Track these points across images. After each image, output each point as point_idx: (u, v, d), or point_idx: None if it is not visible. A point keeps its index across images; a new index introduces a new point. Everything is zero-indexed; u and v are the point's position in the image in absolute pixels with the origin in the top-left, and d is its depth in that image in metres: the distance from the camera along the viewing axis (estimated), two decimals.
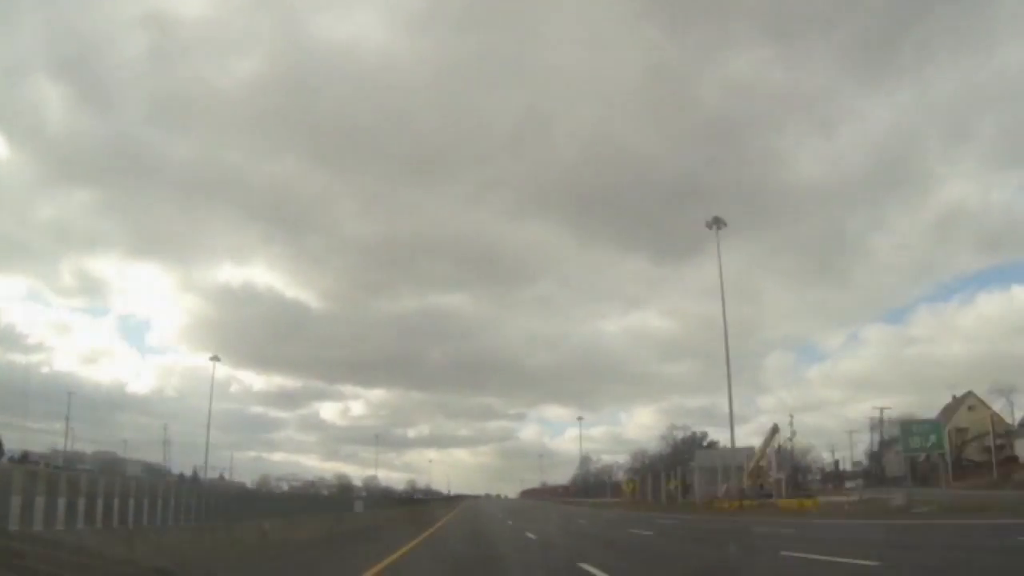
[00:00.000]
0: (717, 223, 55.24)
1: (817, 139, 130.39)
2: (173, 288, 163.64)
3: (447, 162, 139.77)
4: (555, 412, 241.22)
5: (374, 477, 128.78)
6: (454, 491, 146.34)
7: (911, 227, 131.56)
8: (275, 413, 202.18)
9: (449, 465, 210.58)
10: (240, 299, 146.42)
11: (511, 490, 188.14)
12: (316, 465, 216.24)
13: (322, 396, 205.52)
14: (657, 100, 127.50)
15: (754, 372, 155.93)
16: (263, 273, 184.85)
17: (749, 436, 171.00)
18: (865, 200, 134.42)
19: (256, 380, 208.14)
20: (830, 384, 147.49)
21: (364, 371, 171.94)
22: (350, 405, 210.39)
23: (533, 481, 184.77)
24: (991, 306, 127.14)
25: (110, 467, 73.39)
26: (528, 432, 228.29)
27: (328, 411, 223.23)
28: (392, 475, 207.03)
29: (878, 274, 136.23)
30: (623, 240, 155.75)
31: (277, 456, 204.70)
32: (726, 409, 61.15)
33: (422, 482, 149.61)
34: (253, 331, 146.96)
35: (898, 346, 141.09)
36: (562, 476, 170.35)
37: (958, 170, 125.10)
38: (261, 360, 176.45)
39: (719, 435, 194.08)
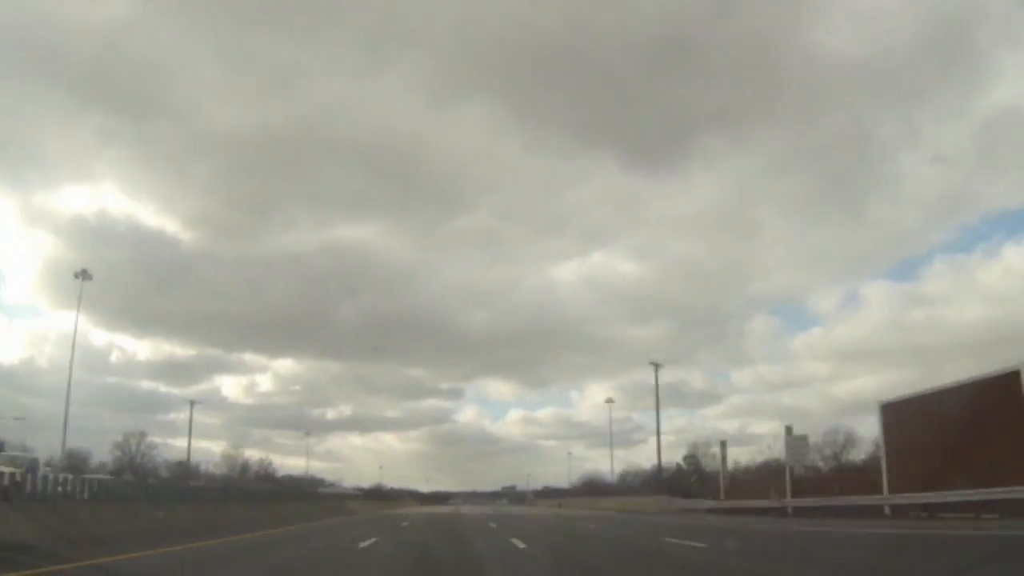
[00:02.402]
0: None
1: None
2: (15, 222, 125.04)
3: None
4: (496, 388, 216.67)
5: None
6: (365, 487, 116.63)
7: (948, 137, 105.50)
8: (168, 389, 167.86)
9: (377, 453, 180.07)
10: (98, 234, 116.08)
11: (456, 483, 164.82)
12: (229, 454, 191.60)
13: (221, 368, 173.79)
14: None
15: (734, 340, 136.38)
16: (114, 194, 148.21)
17: (719, 419, 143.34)
18: (899, 94, 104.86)
19: (140, 347, 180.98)
20: (819, 355, 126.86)
21: (264, 334, 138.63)
22: (256, 379, 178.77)
23: (478, 474, 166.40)
24: (1021, 258, 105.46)
25: None
26: (466, 414, 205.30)
27: (231, 387, 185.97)
28: (316, 465, 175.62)
29: (897, 206, 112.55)
30: (584, 132, 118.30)
31: (183, 442, 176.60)
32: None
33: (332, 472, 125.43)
34: (121, 278, 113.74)
35: (903, 308, 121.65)
36: (507, 472, 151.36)
37: (1021, 57, 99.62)
38: (138, 319, 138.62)
39: (683, 417, 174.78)
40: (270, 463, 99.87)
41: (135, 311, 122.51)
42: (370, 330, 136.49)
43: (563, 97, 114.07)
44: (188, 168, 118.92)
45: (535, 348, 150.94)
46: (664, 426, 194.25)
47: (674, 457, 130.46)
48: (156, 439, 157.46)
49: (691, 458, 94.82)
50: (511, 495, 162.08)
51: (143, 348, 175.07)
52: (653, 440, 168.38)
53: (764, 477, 54.54)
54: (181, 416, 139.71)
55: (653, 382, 67.13)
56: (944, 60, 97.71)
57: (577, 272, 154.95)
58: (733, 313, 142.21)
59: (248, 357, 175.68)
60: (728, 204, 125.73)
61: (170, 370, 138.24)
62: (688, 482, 78.96)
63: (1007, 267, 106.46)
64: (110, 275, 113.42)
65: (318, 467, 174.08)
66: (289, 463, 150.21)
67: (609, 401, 70.50)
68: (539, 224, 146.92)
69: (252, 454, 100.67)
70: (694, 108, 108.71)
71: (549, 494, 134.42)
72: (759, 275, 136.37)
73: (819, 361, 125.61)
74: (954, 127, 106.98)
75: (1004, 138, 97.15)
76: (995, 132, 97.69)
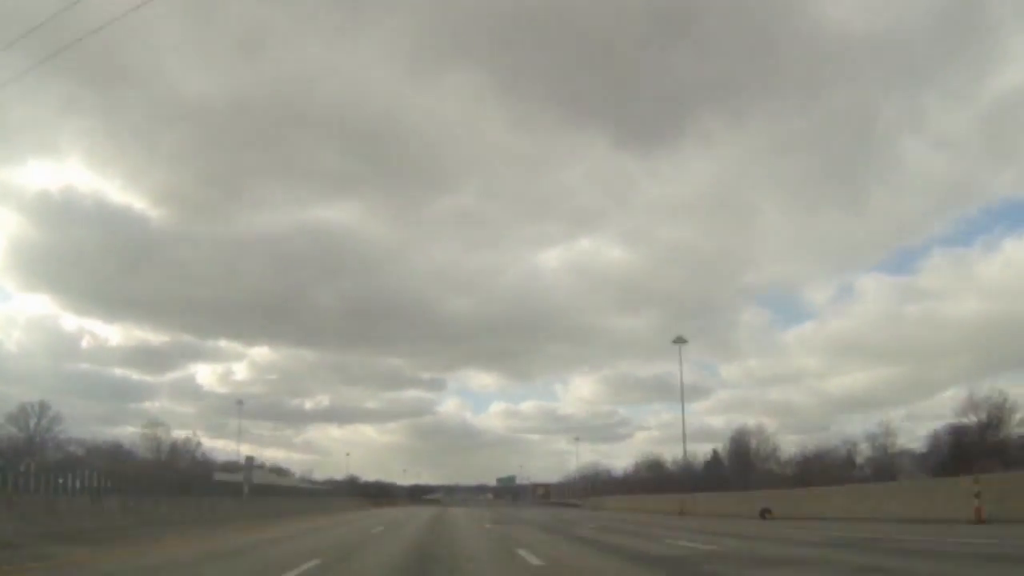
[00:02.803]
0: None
1: None
2: None
3: None
4: (479, 380, 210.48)
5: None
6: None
7: (954, 122, 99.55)
8: (141, 376, 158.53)
9: (355, 445, 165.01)
10: (64, 211, 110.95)
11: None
12: (204, 444, 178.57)
13: (195, 355, 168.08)
14: None
15: (724, 332, 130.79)
16: (80, 169, 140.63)
17: (707, 414, 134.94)
18: (906, 73, 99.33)
19: (111, 332, 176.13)
20: (811, 350, 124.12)
21: (239, 320, 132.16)
22: (232, 368, 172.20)
23: (460, 468, 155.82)
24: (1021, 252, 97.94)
25: None
26: (448, 406, 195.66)
27: (206, 375, 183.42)
28: (293, 456, 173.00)
29: (897, 194, 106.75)
30: (573, 107, 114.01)
31: (160, 433, 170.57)
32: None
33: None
34: (89, 259, 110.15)
35: (899, 302, 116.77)
36: (490, 466, 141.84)
37: None
38: (109, 303, 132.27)
39: (670, 412, 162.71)
40: (198, 444, 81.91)
41: (105, 294, 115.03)
42: (348, 317, 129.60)
43: (551, 68, 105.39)
44: (155, 140, 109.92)
45: (519, 338, 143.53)
46: (650, 420, 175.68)
47: (659, 452, 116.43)
48: (130, 428, 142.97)
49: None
50: (501, 491, 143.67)
51: (115, 333, 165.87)
52: (640, 435, 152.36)
53: None
54: (156, 405, 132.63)
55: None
56: (954, 38, 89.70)
57: (563, 258, 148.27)
58: (724, 304, 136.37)
59: (223, 344, 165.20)
60: (723, 187, 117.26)
61: (143, 357, 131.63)
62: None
63: (1008, 260, 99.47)
64: (78, 255, 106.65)
65: (297, 459, 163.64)
66: (267, 454, 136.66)
67: (679, 341, 51.93)
68: (524, 206, 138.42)
69: (180, 434, 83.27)
70: (690, 82, 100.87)
71: (566, 491, 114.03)
72: (752, 264, 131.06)
73: (811, 356, 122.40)
74: (961, 110, 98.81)
75: (1012, 123, 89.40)
76: (1004, 116, 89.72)
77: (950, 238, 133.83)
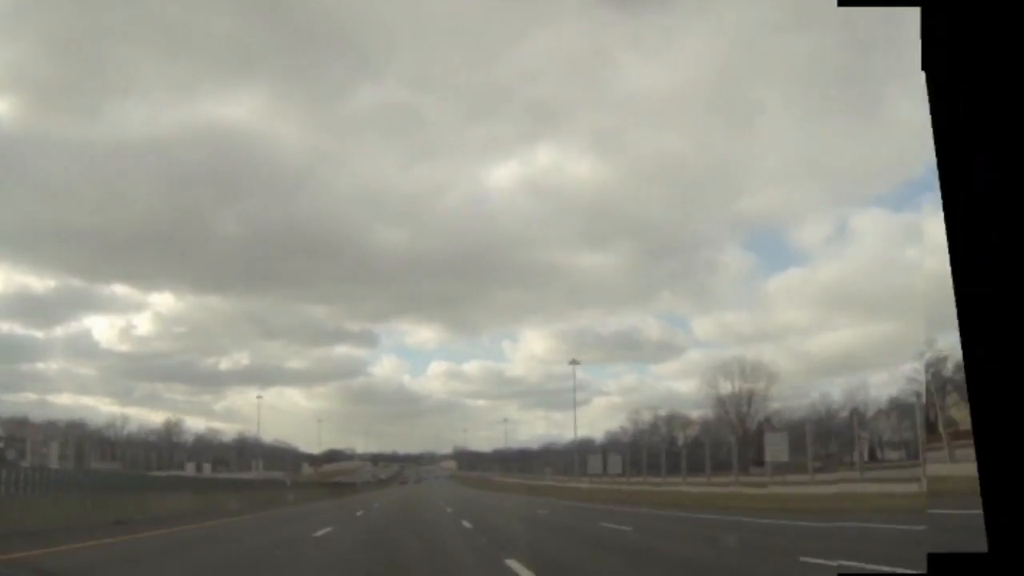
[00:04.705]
0: None
1: None
2: None
3: None
4: (416, 335, 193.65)
5: None
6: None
7: None
8: (27, 331, 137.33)
9: (279, 411, 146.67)
10: None
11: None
12: (117, 412, 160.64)
13: (88, 304, 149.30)
14: None
15: (701, 278, 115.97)
16: None
17: (674, 378, 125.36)
18: None
19: None
20: (798, 301, 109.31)
21: (132, 257, 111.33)
22: (132, 320, 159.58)
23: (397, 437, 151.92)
24: None
25: None
26: (383, 366, 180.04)
27: (103, 329, 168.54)
28: (217, 426, 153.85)
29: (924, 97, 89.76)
30: None
31: (64, 398, 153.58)
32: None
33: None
34: None
35: (900, 245, 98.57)
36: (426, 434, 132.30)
37: None
38: None
39: (633, 374, 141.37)
40: None
41: None
42: (259, 253, 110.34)
43: None
44: None
45: (462, 280, 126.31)
46: (610, 384, 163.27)
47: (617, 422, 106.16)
48: (31, 395, 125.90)
49: None
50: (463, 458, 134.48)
51: None
52: (598, 401, 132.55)
53: None
54: (52, 367, 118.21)
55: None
56: None
57: (517, 175, 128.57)
58: (705, 240, 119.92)
59: (118, 290, 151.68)
60: (723, 67, 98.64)
61: (26, 306, 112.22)
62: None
63: None
64: None
65: (219, 429, 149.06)
66: (187, 422, 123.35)
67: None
68: (468, 97, 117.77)
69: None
70: None
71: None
72: (744, 185, 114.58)
73: (799, 308, 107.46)
74: None
75: None
76: None
77: None
